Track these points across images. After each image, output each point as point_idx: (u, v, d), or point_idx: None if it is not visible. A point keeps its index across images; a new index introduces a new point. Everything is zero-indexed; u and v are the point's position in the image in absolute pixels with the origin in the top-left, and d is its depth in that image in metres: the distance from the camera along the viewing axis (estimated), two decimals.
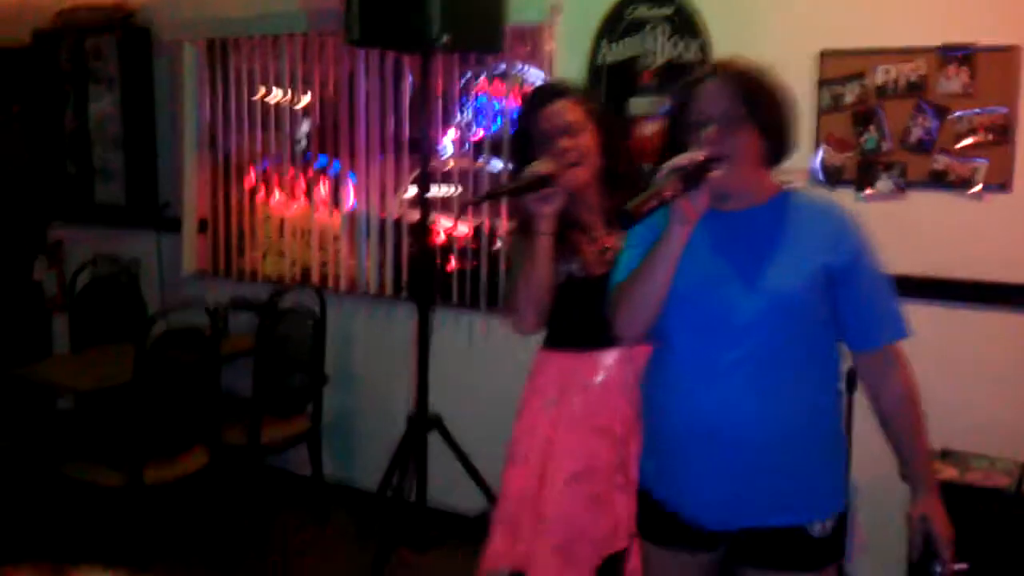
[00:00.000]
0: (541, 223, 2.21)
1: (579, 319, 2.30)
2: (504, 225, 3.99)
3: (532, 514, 2.31)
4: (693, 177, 1.74)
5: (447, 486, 3.77)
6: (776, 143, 1.85)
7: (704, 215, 1.80)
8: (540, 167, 2.19)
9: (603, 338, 2.18)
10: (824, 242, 1.83)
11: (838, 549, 1.92)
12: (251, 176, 4.78)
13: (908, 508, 1.92)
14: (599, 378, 2.31)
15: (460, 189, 4.15)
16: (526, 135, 2.35)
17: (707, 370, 1.84)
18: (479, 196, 4.12)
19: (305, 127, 4.60)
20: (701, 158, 1.75)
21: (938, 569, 1.87)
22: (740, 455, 1.82)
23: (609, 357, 2.31)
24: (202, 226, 4.88)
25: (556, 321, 2.35)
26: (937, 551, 1.87)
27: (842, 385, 2.00)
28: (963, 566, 1.91)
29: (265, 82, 4.64)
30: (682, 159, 1.75)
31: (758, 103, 1.81)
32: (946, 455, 3.00)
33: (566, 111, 2.30)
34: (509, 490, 2.40)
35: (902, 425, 1.90)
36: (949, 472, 2.87)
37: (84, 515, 3.52)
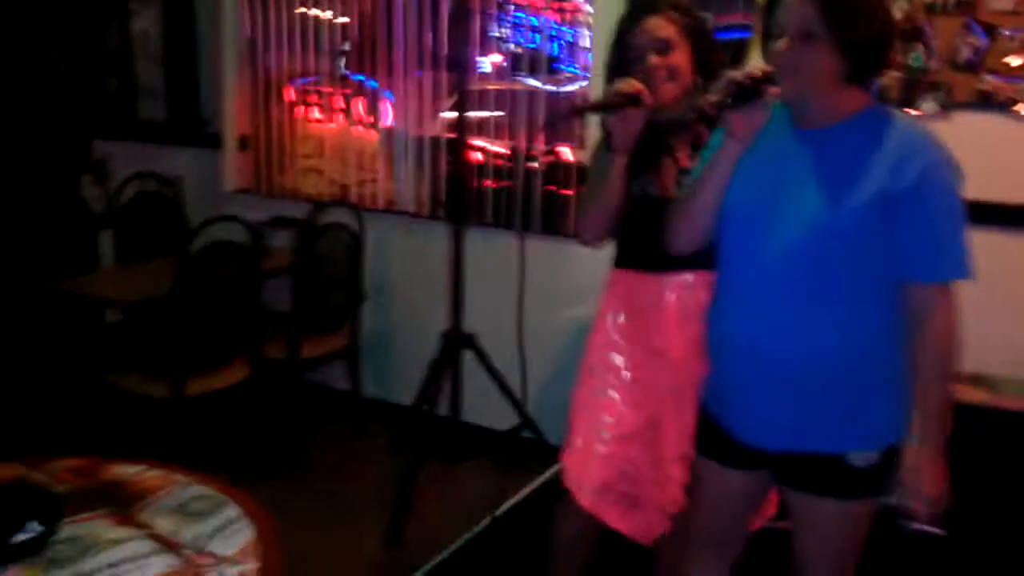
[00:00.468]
0: (618, 141, 2.19)
1: (649, 239, 2.23)
2: (540, 146, 3.96)
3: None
4: (748, 92, 1.72)
5: (480, 402, 3.84)
6: (859, 62, 1.76)
7: (787, 132, 1.81)
8: (625, 86, 2.15)
9: (671, 260, 2.18)
10: (886, 166, 1.75)
11: (878, 483, 1.86)
12: (290, 93, 4.79)
13: (903, 457, 1.84)
14: (663, 300, 2.31)
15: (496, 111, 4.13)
16: (621, 49, 2.30)
17: (751, 290, 1.86)
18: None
19: (344, 45, 4.57)
20: (759, 73, 1.73)
21: (908, 526, 1.80)
22: (778, 377, 1.84)
23: (674, 280, 2.30)
24: (243, 144, 4.91)
25: (627, 239, 2.36)
26: (913, 507, 1.80)
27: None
28: (939, 532, 1.79)
29: (303, 3, 4.61)
30: (739, 72, 1.73)
31: (840, 20, 1.72)
32: (978, 380, 2.98)
33: (660, 27, 2.23)
34: (578, 400, 2.44)
35: (922, 378, 1.81)
36: (980, 396, 2.86)
37: (129, 424, 3.63)
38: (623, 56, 2.28)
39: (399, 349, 4.43)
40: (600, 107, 2.22)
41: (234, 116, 4.89)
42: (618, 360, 2.36)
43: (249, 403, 3.88)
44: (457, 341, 3.63)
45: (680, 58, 2.23)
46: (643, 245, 2.29)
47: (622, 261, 2.41)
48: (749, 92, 1.72)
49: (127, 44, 5.09)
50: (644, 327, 2.34)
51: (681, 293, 2.29)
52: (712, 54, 2.28)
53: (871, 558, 2.01)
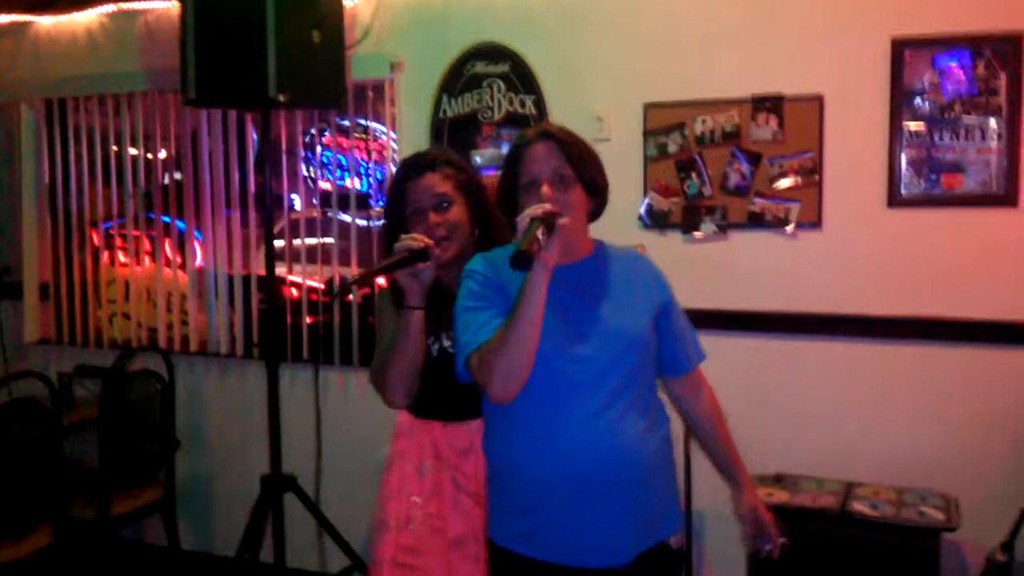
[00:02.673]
0: (411, 298, 2.16)
1: (452, 393, 2.22)
2: (354, 275, 3.99)
3: None
4: (549, 226, 1.82)
5: (307, 547, 3.73)
6: (598, 200, 2.01)
7: None
8: (410, 242, 2.14)
9: (474, 410, 2.20)
10: (649, 283, 2.05)
11: (686, 560, 2.10)
12: (94, 238, 4.66)
13: (734, 507, 2.14)
14: (469, 446, 2.29)
15: (310, 242, 4.16)
16: (397, 207, 2.30)
17: (574, 417, 1.89)
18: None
19: (149, 186, 4.51)
20: (551, 208, 1.83)
21: (768, 546, 2.13)
22: (624, 492, 1.91)
23: (476, 426, 2.24)
24: (44, 292, 4.72)
25: (427, 392, 2.29)
26: (767, 533, 2.12)
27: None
28: (783, 540, 2.13)
29: (106, 142, 4.55)
30: (536, 209, 1.82)
31: (583, 164, 1.95)
32: (779, 479, 3.17)
33: (435, 184, 2.26)
34: (382, 556, 2.34)
35: (720, 434, 2.14)
36: (781, 496, 3.03)
37: None
38: (402, 212, 2.28)
39: (218, 497, 4.27)
40: (392, 267, 2.15)
41: (34, 264, 4.71)
42: (418, 502, 2.32)
43: (56, 571, 3.61)
44: (278, 484, 3.54)
45: (458, 214, 2.26)
46: (445, 399, 2.28)
47: (423, 411, 2.35)
48: (550, 226, 1.82)
49: None
50: (462, 475, 2.29)
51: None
52: (487, 205, 2.30)
53: None
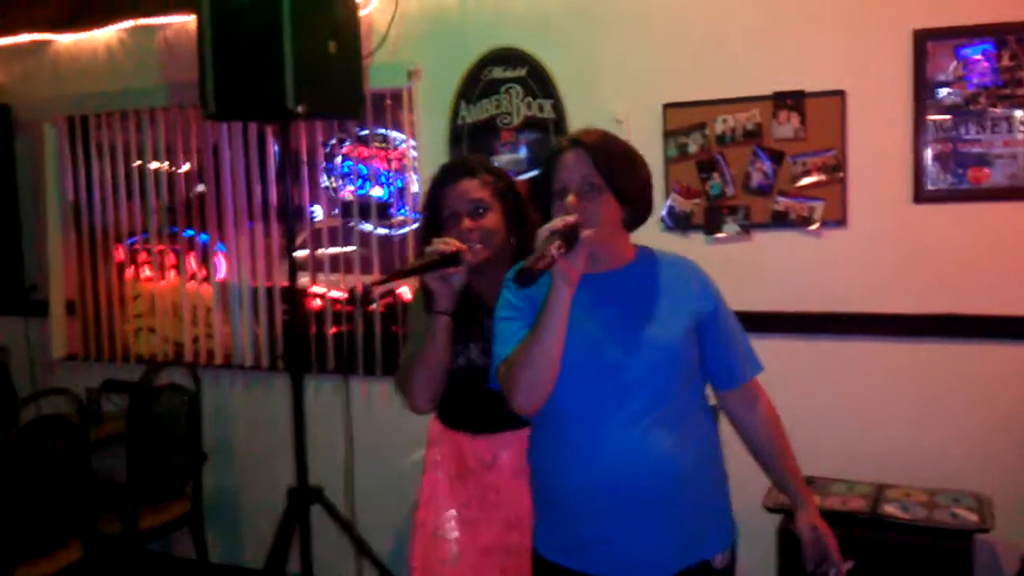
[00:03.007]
0: (440, 302, 2.15)
1: (477, 405, 2.25)
2: (380, 276, 3.99)
3: None
4: (570, 239, 1.80)
5: (335, 558, 3.72)
6: (633, 208, 1.94)
7: (581, 281, 1.88)
8: (443, 246, 2.13)
9: (500, 423, 2.21)
10: (690, 292, 1.98)
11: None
12: (119, 253, 4.69)
13: (797, 524, 2.05)
14: (498, 460, 2.29)
15: (332, 252, 4.16)
16: (434, 212, 2.29)
17: (608, 429, 1.88)
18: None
19: (172, 200, 4.54)
20: (572, 221, 1.81)
21: (833, 572, 2.02)
22: (659, 504, 1.88)
23: (505, 441, 2.28)
24: (70, 308, 4.75)
25: (453, 404, 2.31)
26: (829, 556, 2.02)
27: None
28: (850, 564, 2.04)
29: (129, 157, 4.58)
30: (557, 223, 1.80)
31: (615, 173, 1.90)
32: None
33: (472, 190, 2.24)
34: (414, 564, 2.37)
35: (777, 449, 2.06)
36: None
37: None
38: (437, 216, 2.28)
39: (245, 509, 4.28)
40: (421, 269, 2.14)
41: (61, 279, 4.76)
42: (452, 513, 2.33)
43: None
44: (304, 496, 3.53)
45: (493, 220, 2.24)
46: (472, 411, 2.28)
47: (449, 421, 2.37)
48: (571, 239, 1.80)
49: None
50: (478, 485, 2.30)
51: (515, 450, 2.24)
52: (525, 214, 2.28)
53: None
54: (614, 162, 1.91)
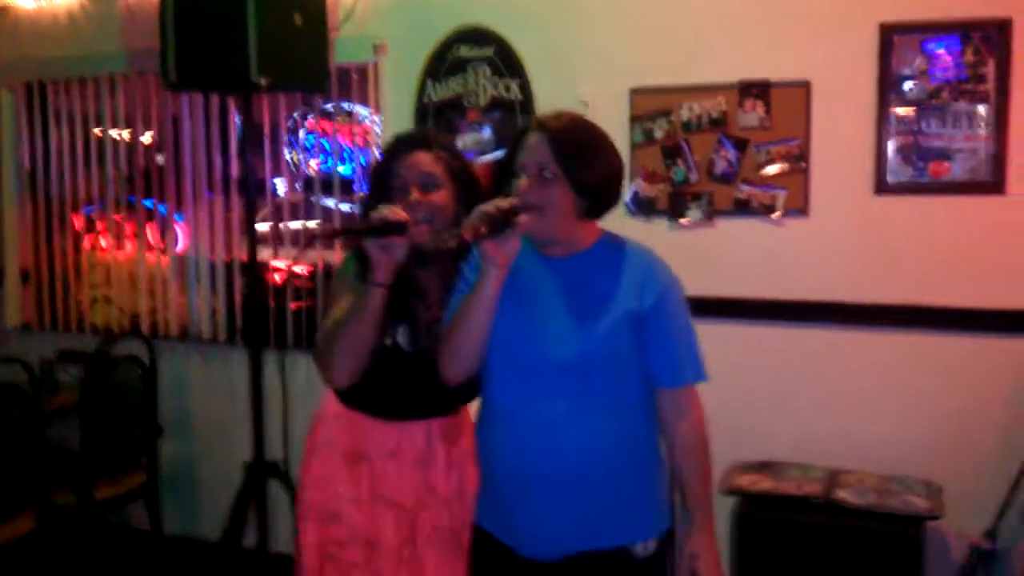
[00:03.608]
0: (379, 272, 1.98)
1: (391, 389, 2.18)
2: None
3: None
4: (500, 223, 1.80)
5: (292, 531, 3.70)
6: (592, 200, 1.92)
7: (535, 261, 1.93)
8: (387, 212, 1.98)
9: (410, 410, 2.19)
10: (631, 288, 1.94)
11: (662, 568, 2.01)
12: (76, 222, 4.61)
13: (682, 546, 1.99)
14: (401, 448, 2.23)
15: (293, 226, 4.13)
16: (383, 179, 2.19)
17: (527, 410, 1.92)
18: (320, 232, 3.94)
19: (131, 170, 4.46)
20: (507, 206, 1.82)
21: None
22: (563, 487, 1.91)
23: (411, 430, 2.23)
24: (24, 276, 4.67)
25: (365, 382, 2.15)
26: None
27: None
28: None
29: (88, 124, 4.50)
30: (490, 205, 1.81)
31: (573, 162, 1.87)
32: (764, 466, 3.17)
33: (424, 163, 2.15)
34: (308, 541, 2.29)
35: (690, 469, 1.98)
36: (766, 483, 3.03)
37: None
38: (386, 187, 2.18)
39: (202, 482, 4.25)
40: (365, 230, 2.00)
41: (15, 248, 4.66)
42: (347, 495, 2.25)
43: (39, 556, 3.60)
44: (261, 470, 3.52)
45: (443, 198, 2.16)
46: (383, 394, 2.20)
47: (354, 400, 2.25)
48: (501, 223, 1.81)
49: None
50: (374, 474, 2.23)
51: (420, 441, 2.23)
52: (477, 199, 2.09)
53: None
54: (575, 152, 1.89)
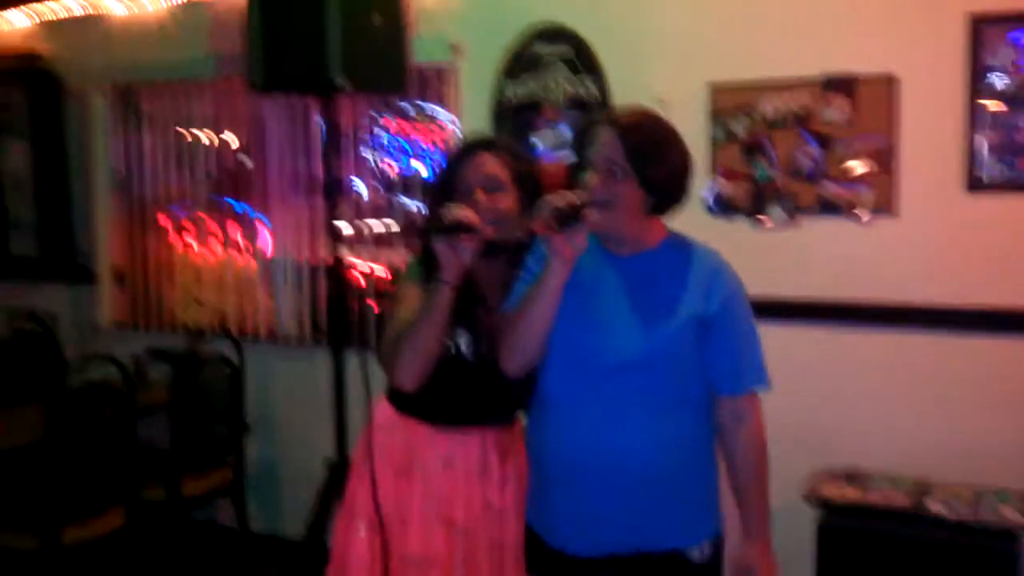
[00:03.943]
0: (448, 272, 1.95)
1: (449, 395, 2.15)
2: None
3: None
4: (568, 217, 1.79)
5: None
6: (661, 197, 1.91)
7: (601, 258, 1.92)
8: (458, 212, 1.95)
9: (466, 418, 2.17)
10: (698, 290, 1.92)
11: (716, 572, 2.00)
12: (166, 224, 4.74)
13: (738, 555, 1.98)
14: (449, 458, 2.19)
15: (376, 227, 4.17)
16: (449, 182, 2.18)
17: (582, 409, 1.91)
18: (400, 230, 3.95)
19: (218, 172, 4.57)
20: (577, 201, 1.80)
21: None
22: (617, 483, 1.90)
23: (465, 439, 2.20)
24: (118, 276, 4.83)
25: (423, 388, 2.10)
26: None
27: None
28: None
29: (176, 127, 4.62)
30: (559, 198, 1.80)
31: (643, 158, 1.86)
32: (851, 477, 3.07)
33: (489, 165, 2.15)
34: (349, 549, 2.27)
35: (747, 478, 1.98)
36: (852, 493, 2.94)
37: None
38: (451, 192, 2.16)
39: (286, 480, 4.34)
40: (436, 230, 1.96)
41: (108, 248, 4.83)
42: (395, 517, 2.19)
43: (128, 551, 3.72)
44: (342, 469, 3.56)
45: (507, 202, 2.14)
46: (440, 401, 2.17)
47: (408, 406, 2.21)
48: (570, 217, 1.79)
49: None
50: (428, 488, 2.18)
51: (473, 450, 2.20)
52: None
53: None
54: (643, 148, 1.87)
